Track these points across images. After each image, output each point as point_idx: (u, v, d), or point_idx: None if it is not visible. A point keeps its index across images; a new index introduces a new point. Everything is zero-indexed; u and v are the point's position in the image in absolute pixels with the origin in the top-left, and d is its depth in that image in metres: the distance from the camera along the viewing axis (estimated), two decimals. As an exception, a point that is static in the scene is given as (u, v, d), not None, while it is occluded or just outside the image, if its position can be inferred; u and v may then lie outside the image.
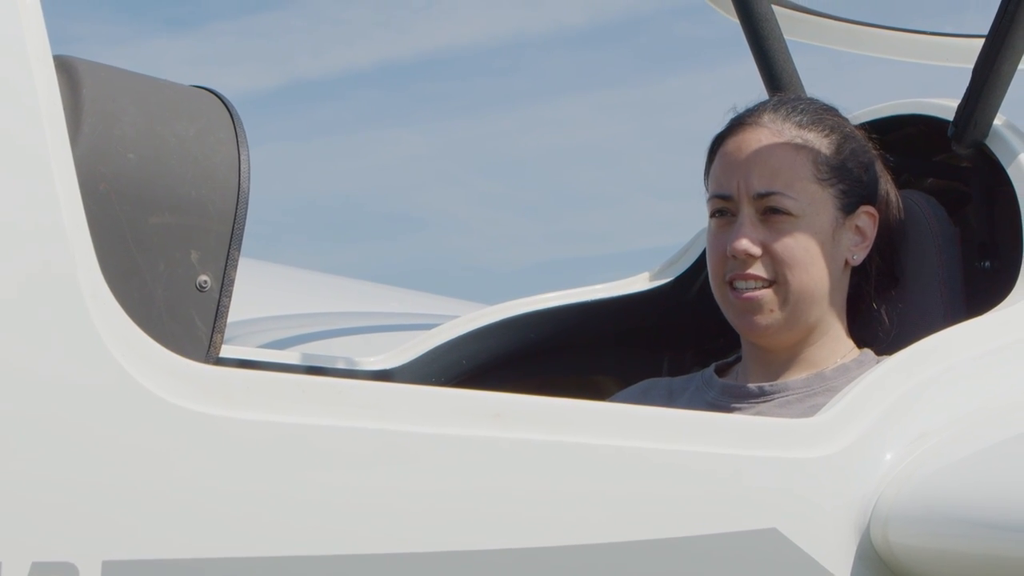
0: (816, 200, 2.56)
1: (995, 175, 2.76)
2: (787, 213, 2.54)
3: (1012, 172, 2.72)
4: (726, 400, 2.61)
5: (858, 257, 2.62)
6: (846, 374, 2.55)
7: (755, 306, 2.55)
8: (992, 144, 2.76)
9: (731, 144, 2.61)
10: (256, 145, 2.07)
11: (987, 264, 2.78)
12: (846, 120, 2.68)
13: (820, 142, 2.59)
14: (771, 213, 2.54)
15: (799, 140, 2.58)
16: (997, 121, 2.75)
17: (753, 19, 3.04)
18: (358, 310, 3.98)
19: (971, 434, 2.29)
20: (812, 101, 2.71)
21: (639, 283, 3.00)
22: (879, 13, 3.39)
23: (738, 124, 2.63)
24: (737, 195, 2.57)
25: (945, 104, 2.83)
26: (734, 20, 3.12)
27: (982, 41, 2.73)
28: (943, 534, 2.17)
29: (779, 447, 2.17)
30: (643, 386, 2.76)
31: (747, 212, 2.56)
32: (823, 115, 2.64)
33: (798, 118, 2.61)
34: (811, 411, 2.38)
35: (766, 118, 2.61)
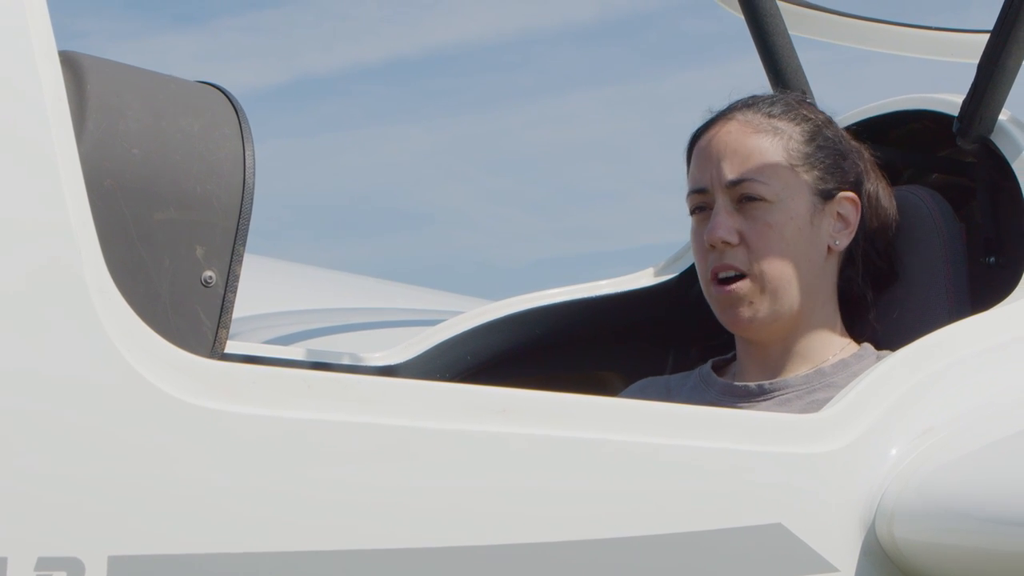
0: (790, 185, 2.57)
1: (1000, 170, 2.76)
2: (761, 199, 2.55)
3: (1017, 167, 2.72)
4: (726, 400, 2.60)
5: (840, 243, 2.61)
6: (846, 369, 2.55)
7: (736, 299, 2.55)
8: (997, 139, 2.76)
9: (703, 140, 2.64)
10: (262, 141, 2.07)
11: (992, 260, 2.78)
12: (821, 112, 2.69)
13: (792, 130, 2.60)
14: (746, 201, 2.55)
15: (769, 128, 2.59)
16: (1002, 116, 2.75)
17: (758, 15, 3.04)
18: (363, 306, 3.98)
19: (976, 430, 2.29)
20: (786, 94, 2.72)
21: (644, 279, 3.00)
22: (884, 8, 3.39)
23: (710, 121, 2.66)
24: (711, 187, 2.59)
25: (950, 99, 2.83)
26: (739, 16, 3.12)
27: (987, 36, 2.73)
28: (948, 529, 2.16)
29: (784, 442, 2.16)
30: (640, 385, 2.76)
31: (722, 202, 2.57)
32: (795, 106, 2.65)
33: (769, 109, 2.62)
34: (811, 407, 2.38)
35: (736, 112, 2.62)
